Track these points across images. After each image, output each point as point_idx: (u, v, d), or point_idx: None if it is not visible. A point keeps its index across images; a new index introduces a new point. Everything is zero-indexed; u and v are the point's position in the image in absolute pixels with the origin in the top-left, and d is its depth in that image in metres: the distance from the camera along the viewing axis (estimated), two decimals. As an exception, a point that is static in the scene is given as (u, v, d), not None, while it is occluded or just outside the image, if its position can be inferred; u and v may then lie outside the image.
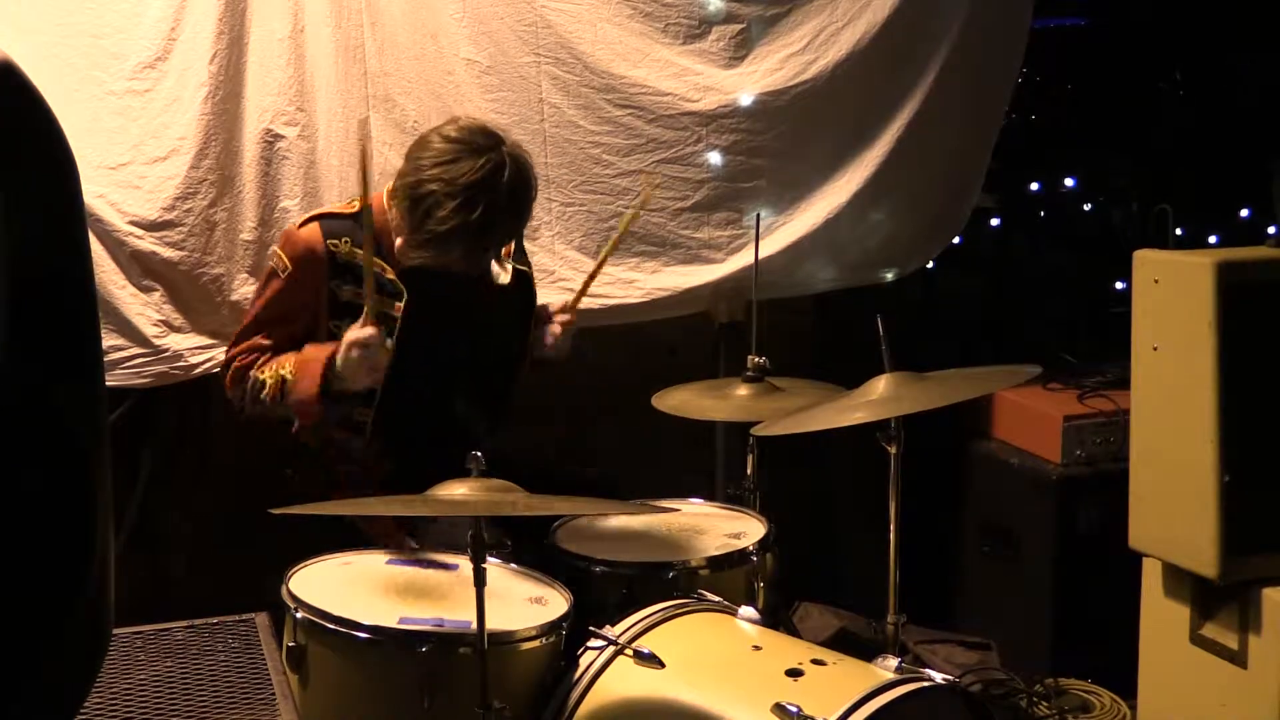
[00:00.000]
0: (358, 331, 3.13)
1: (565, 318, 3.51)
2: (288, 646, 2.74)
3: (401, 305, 3.27)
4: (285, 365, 3.22)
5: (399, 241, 3.22)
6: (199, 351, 3.57)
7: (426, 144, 3.16)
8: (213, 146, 3.52)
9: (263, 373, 3.24)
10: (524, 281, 3.52)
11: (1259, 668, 3.49)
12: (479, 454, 2.64)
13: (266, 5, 3.56)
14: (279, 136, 3.60)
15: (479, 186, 3.08)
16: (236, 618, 2.79)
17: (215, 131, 3.52)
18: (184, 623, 2.75)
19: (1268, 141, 5.12)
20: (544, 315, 3.54)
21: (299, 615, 2.76)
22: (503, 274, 3.40)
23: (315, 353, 3.20)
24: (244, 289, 3.58)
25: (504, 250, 3.40)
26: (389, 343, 3.18)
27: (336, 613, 2.73)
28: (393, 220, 3.24)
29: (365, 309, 3.15)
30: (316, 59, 3.61)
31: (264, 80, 3.57)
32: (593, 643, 2.82)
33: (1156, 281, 3.63)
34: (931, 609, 4.16)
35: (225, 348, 3.43)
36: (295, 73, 3.60)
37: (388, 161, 3.63)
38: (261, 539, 3.01)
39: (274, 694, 2.51)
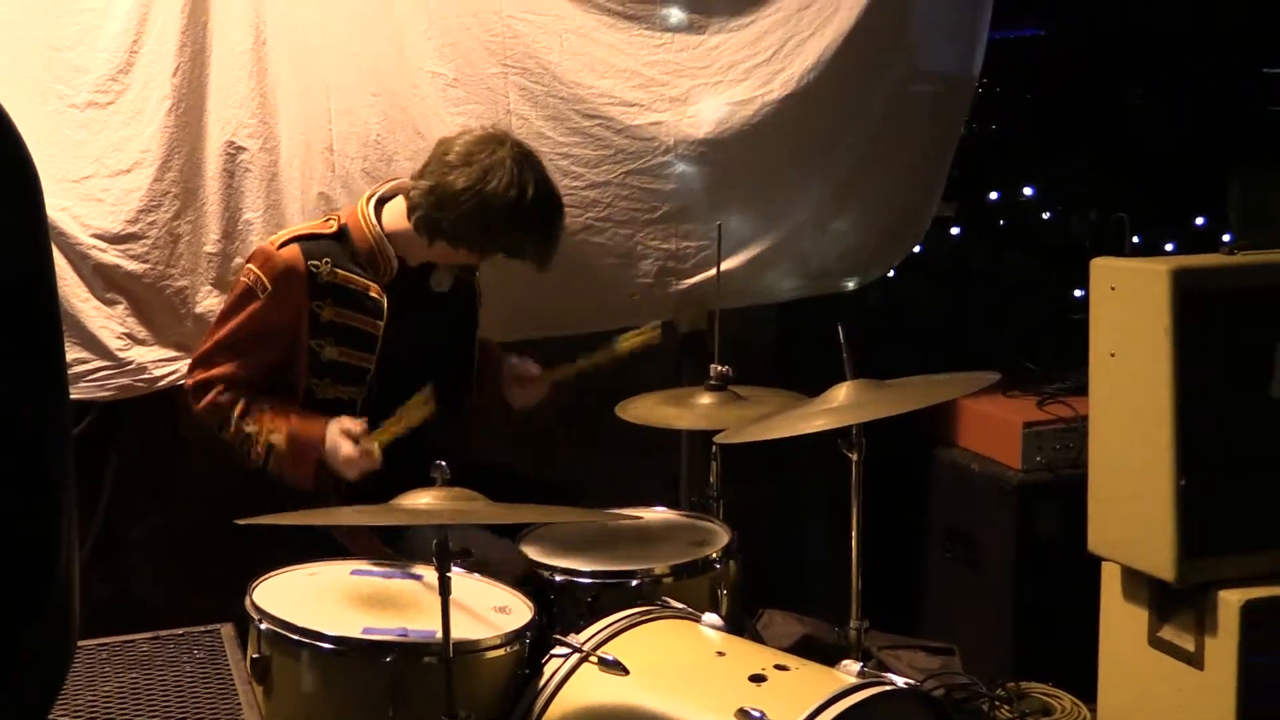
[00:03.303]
0: (347, 445, 3.17)
1: (534, 383, 3.56)
2: (252, 658, 2.73)
3: (382, 324, 3.28)
4: (278, 433, 3.22)
5: (436, 247, 3.26)
6: (163, 364, 3.55)
7: (449, 165, 3.19)
8: (176, 159, 3.51)
9: (248, 426, 3.24)
10: (469, 295, 3.53)
11: (1215, 669, 3.52)
12: (443, 463, 2.64)
13: (228, 18, 3.54)
14: (241, 149, 3.58)
15: (523, 162, 3.20)
16: (202, 629, 2.78)
17: (178, 144, 3.50)
18: (149, 634, 2.74)
19: (1222, 150, 5.16)
20: (511, 373, 3.56)
21: (263, 626, 2.75)
22: (442, 281, 3.42)
23: (307, 436, 3.21)
24: (208, 301, 3.56)
25: (475, 259, 3.41)
26: (376, 450, 3.19)
27: (300, 624, 2.72)
28: (388, 229, 3.27)
29: (362, 436, 3.19)
30: (278, 71, 3.60)
31: (226, 92, 3.56)
32: (557, 650, 2.82)
33: (1113, 289, 3.65)
34: (894, 614, 4.16)
35: (186, 359, 3.42)
36: (257, 85, 3.58)
37: (349, 174, 3.63)
38: (226, 549, 3.01)
39: (239, 704, 2.50)
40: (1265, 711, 3.52)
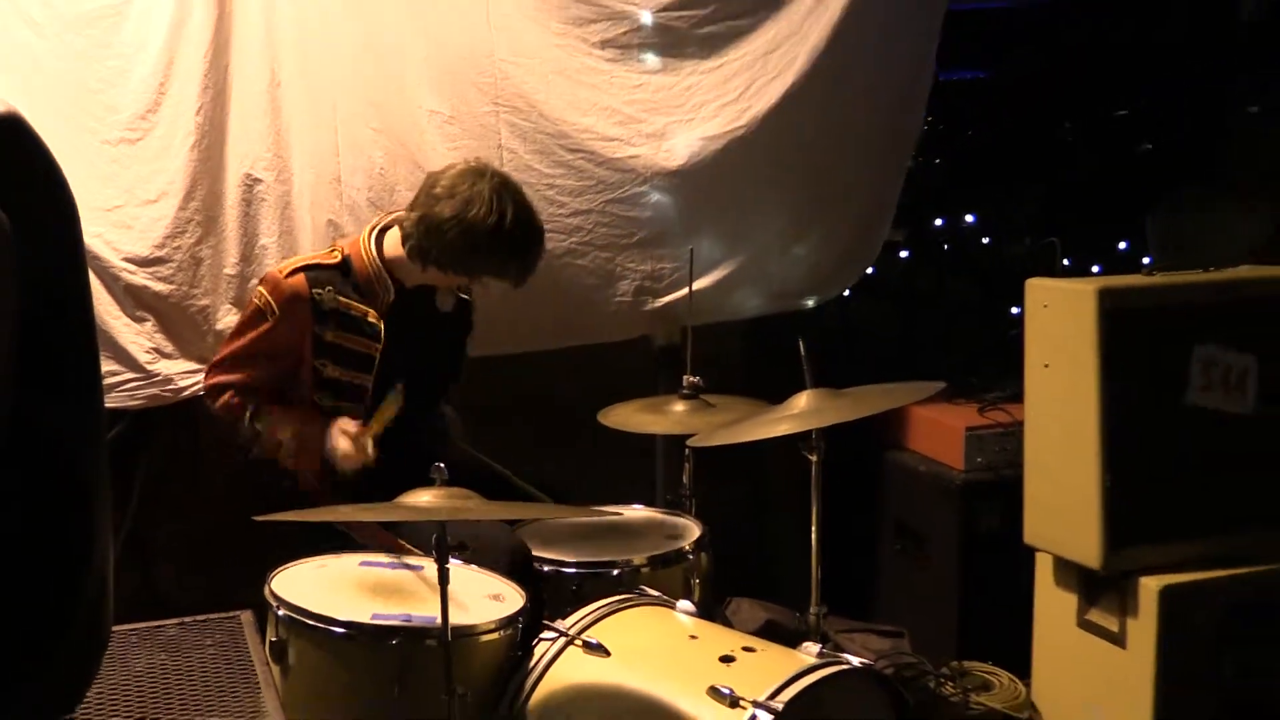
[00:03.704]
0: (343, 441, 3.20)
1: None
2: (270, 641, 2.75)
3: (379, 346, 3.30)
4: (285, 431, 3.26)
5: (428, 272, 3.27)
6: (187, 375, 3.56)
7: (435, 197, 3.21)
8: (198, 190, 3.52)
9: (259, 423, 3.28)
10: (465, 312, 3.55)
11: (1136, 647, 3.55)
12: (441, 465, 2.66)
13: (246, 61, 3.55)
14: (258, 180, 3.59)
15: (501, 191, 3.20)
16: (223, 615, 2.79)
17: (200, 176, 3.52)
18: (175, 620, 2.75)
19: (1143, 183, 5.20)
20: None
21: (280, 613, 2.78)
22: (447, 302, 3.43)
23: (312, 438, 3.25)
24: (228, 318, 3.57)
25: (463, 283, 3.43)
26: (370, 445, 3.22)
27: (315, 610, 2.74)
28: (389, 256, 3.29)
29: (358, 434, 3.21)
30: (291, 110, 3.61)
31: (244, 129, 3.57)
32: (545, 634, 2.84)
33: (1046, 306, 3.68)
34: (850, 601, 4.17)
35: (205, 371, 3.43)
36: (272, 122, 3.59)
37: (355, 204, 3.65)
38: (243, 545, 3.02)
39: (258, 683, 2.51)
40: (1181, 685, 3.55)
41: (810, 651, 2.75)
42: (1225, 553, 3.60)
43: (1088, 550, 3.58)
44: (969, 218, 4.99)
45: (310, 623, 2.74)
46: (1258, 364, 3.65)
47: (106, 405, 2.84)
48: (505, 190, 3.23)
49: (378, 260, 3.31)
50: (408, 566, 3.03)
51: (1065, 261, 4.38)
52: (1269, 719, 3.64)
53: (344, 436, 3.22)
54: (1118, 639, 3.60)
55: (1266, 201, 5.08)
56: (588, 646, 2.78)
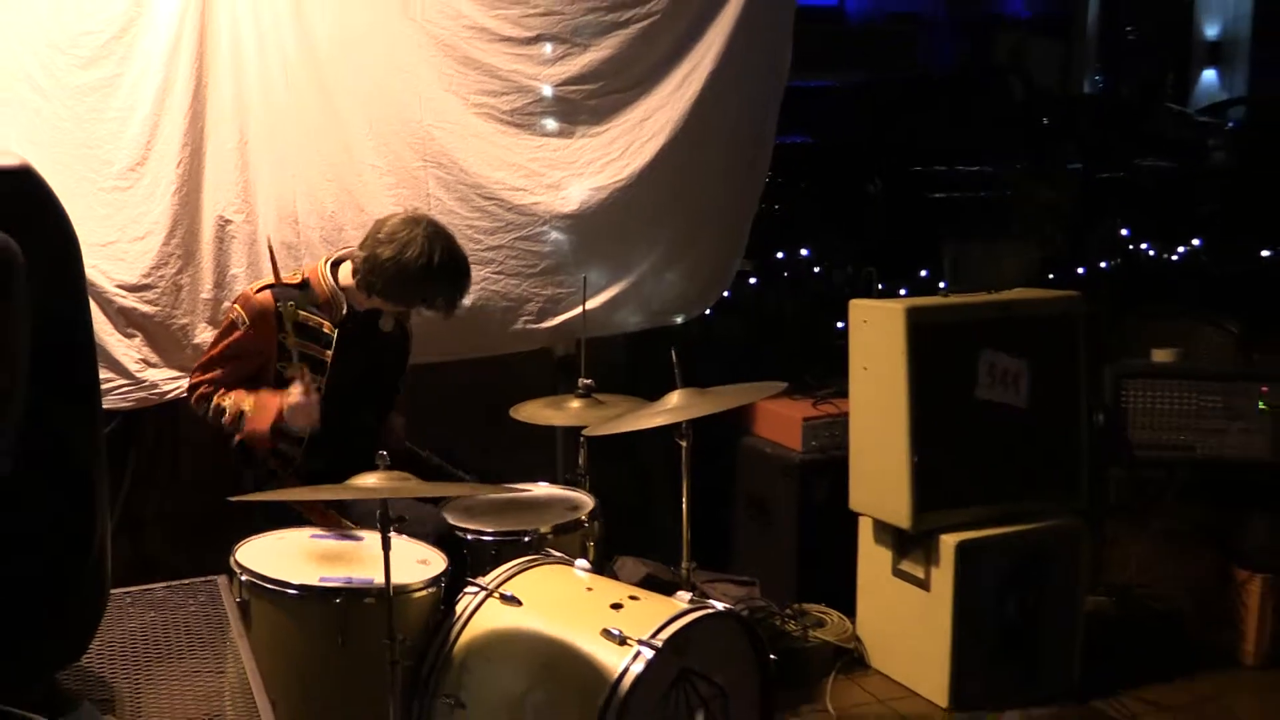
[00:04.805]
0: (296, 393, 3.11)
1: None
2: (237, 601, 2.66)
3: (330, 351, 3.23)
4: (246, 402, 3.16)
5: (374, 300, 3.22)
6: (170, 381, 3.46)
7: (379, 240, 3.15)
8: (179, 229, 3.42)
9: (224, 400, 3.18)
10: (403, 332, 3.48)
11: (938, 590, 3.60)
12: (384, 453, 2.62)
13: (219, 124, 3.46)
14: (229, 221, 3.50)
15: (433, 238, 3.15)
16: (202, 579, 2.69)
17: (181, 218, 3.42)
18: (162, 584, 2.65)
19: (938, 224, 5.30)
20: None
21: (243, 578, 2.71)
22: (388, 323, 3.37)
23: (269, 400, 3.15)
24: (204, 334, 3.47)
25: (401, 310, 3.37)
26: (317, 396, 3.14)
27: (271, 575, 2.68)
28: (341, 284, 3.23)
29: (305, 384, 3.13)
30: (257, 164, 3.52)
31: (218, 179, 3.48)
32: (468, 589, 2.80)
33: (865, 321, 3.72)
34: (713, 558, 4.17)
35: (188, 378, 3.35)
36: (241, 174, 3.50)
37: (310, 241, 3.57)
38: (218, 520, 2.94)
39: (233, 635, 2.44)
40: (972, 619, 3.61)
41: (683, 599, 2.73)
42: (1006, 515, 3.67)
43: (900, 514, 3.63)
44: (804, 251, 5.04)
45: (268, 585, 2.68)
46: (1029, 366, 3.73)
47: (103, 406, 2.78)
48: (436, 237, 3.18)
49: (333, 283, 3.25)
50: (350, 538, 2.96)
51: (879, 285, 4.44)
52: (1035, 643, 3.71)
53: (295, 386, 3.13)
54: (924, 584, 3.65)
55: (1032, 242, 5.22)
56: (504, 598, 2.73)
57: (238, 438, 3.27)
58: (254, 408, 3.15)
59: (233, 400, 3.18)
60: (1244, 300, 5.03)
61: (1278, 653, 3.87)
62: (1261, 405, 3.93)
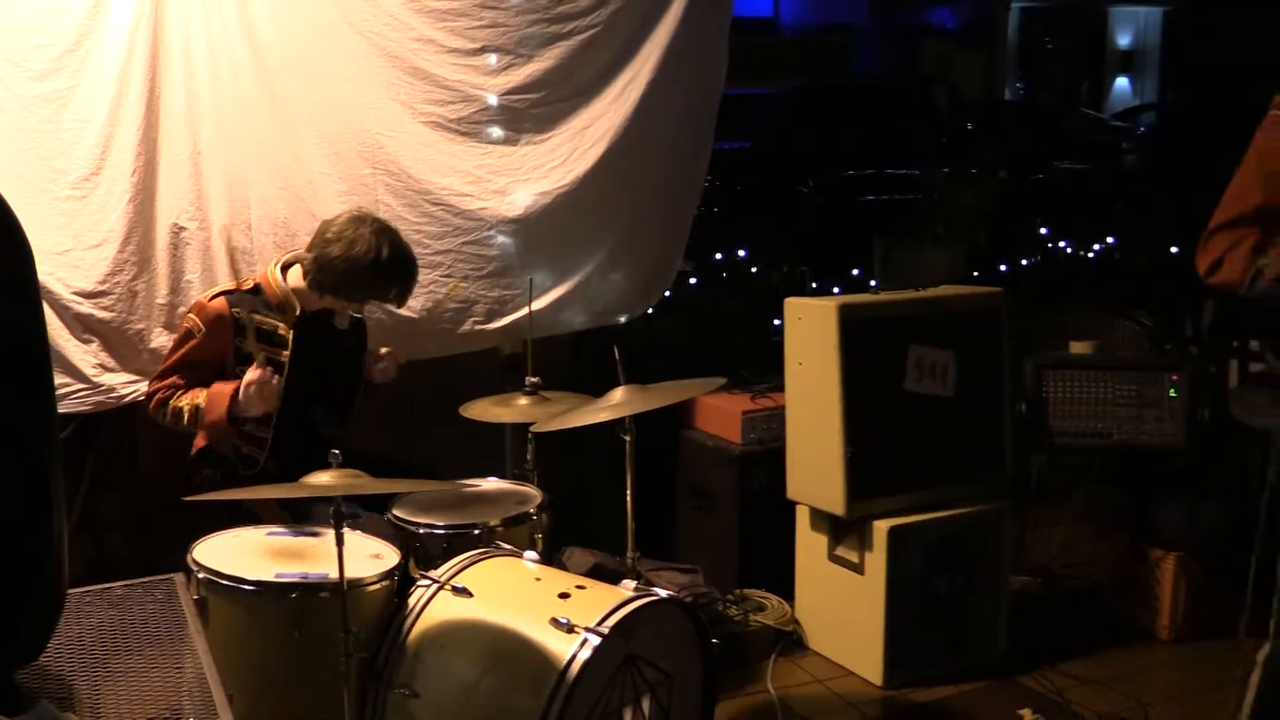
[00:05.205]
0: (253, 373, 3.06)
1: (388, 351, 3.46)
2: (194, 598, 2.62)
3: (287, 353, 3.19)
4: (198, 397, 3.12)
5: (326, 299, 3.19)
6: (127, 385, 3.40)
7: (327, 240, 3.12)
8: (134, 237, 3.36)
9: (180, 402, 3.13)
10: (360, 329, 3.45)
11: (871, 573, 3.63)
12: (337, 452, 2.59)
13: (172, 134, 3.40)
14: (183, 228, 3.44)
15: (379, 234, 3.13)
16: (160, 577, 2.65)
17: (135, 226, 3.36)
18: (121, 583, 2.61)
19: (869, 225, 5.34)
20: (374, 355, 3.48)
21: (200, 575, 2.67)
22: (343, 321, 3.33)
23: (222, 388, 3.10)
24: (159, 340, 3.41)
25: (352, 309, 3.34)
26: (276, 379, 3.10)
27: (228, 571, 2.64)
28: (291, 287, 3.19)
29: (257, 360, 3.09)
30: (210, 173, 3.47)
31: (171, 188, 3.42)
32: (421, 582, 2.77)
33: (800, 319, 3.74)
34: (657, 547, 4.17)
35: (147, 382, 3.30)
36: (194, 182, 3.45)
37: (263, 247, 3.52)
38: (174, 520, 2.89)
39: (189, 632, 2.41)
40: (903, 599, 3.64)
41: (628, 587, 2.73)
42: (934, 500, 3.71)
43: (834, 502, 3.65)
44: (741, 252, 5.06)
45: (224, 582, 2.64)
46: (955, 359, 3.76)
47: (60, 411, 2.73)
48: (383, 232, 3.17)
49: (284, 285, 3.21)
50: (305, 534, 2.92)
51: (813, 284, 4.46)
52: (963, 621, 3.75)
53: (252, 384, 3.06)
54: (858, 568, 3.67)
55: (957, 241, 5.27)
56: (455, 590, 2.71)
57: (199, 441, 3.22)
58: (208, 399, 3.11)
59: (188, 400, 3.13)
60: (1156, 294, 5.11)
61: (1190, 628, 3.94)
62: (1173, 393, 4.00)
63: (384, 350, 3.46)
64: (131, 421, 3.59)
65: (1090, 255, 5.79)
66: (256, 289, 3.22)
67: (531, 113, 3.87)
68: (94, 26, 3.28)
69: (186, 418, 3.12)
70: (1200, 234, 2.51)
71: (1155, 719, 3.43)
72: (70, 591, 1.85)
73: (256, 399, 3.07)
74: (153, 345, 3.43)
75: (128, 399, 3.41)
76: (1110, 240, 5.85)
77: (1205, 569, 3.94)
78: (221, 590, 2.64)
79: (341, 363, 3.39)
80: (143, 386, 3.35)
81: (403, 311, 3.70)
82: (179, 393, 3.15)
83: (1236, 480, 4.09)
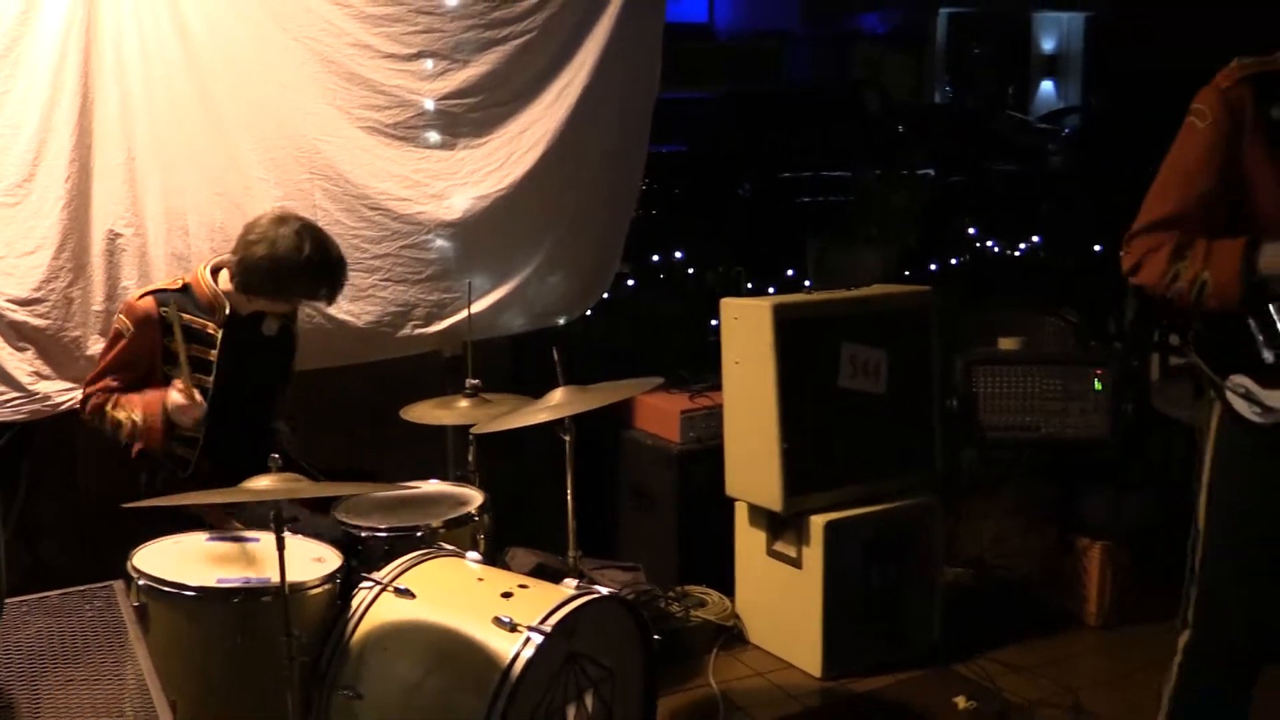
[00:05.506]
0: (177, 396, 3.04)
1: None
2: (134, 605, 2.58)
3: (215, 352, 3.16)
4: (135, 411, 3.08)
5: (255, 301, 3.16)
6: (63, 393, 3.34)
7: (250, 241, 3.09)
8: (69, 243, 3.30)
9: (117, 413, 3.10)
10: (289, 335, 3.41)
11: (809, 568, 3.67)
12: (276, 455, 2.57)
13: (106, 140, 3.34)
14: (119, 235, 3.39)
15: (302, 231, 3.11)
16: (99, 585, 2.61)
17: (70, 232, 3.30)
18: (59, 591, 2.57)
19: (803, 226, 5.39)
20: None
21: (141, 582, 2.63)
22: (271, 328, 3.30)
23: (153, 401, 3.07)
24: (96, 346, 3.35)
25: (282, 311, 3.31)
26: (199, 398, 3.08)
27: (169, 578, 2.61)
28: (221, 289, 3.17)
29: (185, 385, 3.06)
30: (145, 179, 3.41)
31: (106, 194, 3.36)
32: (363, 585, 2.76)
33: (736, 318, 3.77)
34: (600, 546, 4.18)
35: (81, 389, 3.25)
36: (129, 188, 3.39)
37: (200, 252, 3.48)
38: (114, 527, 2.84)
39: (130, 639, 2.37)
40: (840, 592, 3.68)
41: (570, 585, 2.73)
42: (868, 495, 3.75)
43: (772, 498, 3.68)
44: (678, 254, 5.08)
45: (165, 589, 2.60)
46: (887, 357, 3.81)
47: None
48: (306, 230, 3.14)
49: (215, 286, 3.18)
50: (246, 540, 2.89)
51: (749, 285, 4.50)
52: (899, 613, 3.80)
53: (175, 391, 3.06)
54: (796, 562, 3.71)
55: (889, 242, 5.34)
56: (398, 592, 2.70)
57: (137, 447, 3.18)
58: (143, 413, 3.08)
59: (124, 413, 3.10)
60: (1080, 291, 5.22)
61: (1117, 614, 4.03)
62: (1097, 387, 4.08)
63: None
64: (69, 429, 3.52)
65: (1017, 254, 5.89)
66: (186, 288, 3.20)
67: (468, 117, 3.86)
68: (25, 32, 3.22)
69: (125, 431, 3.10)
70: (1124, 234, 2.58)
71: (1085, 703, 3.51)
72: (7, 601, 1.82)
73: (184, 415, 3.07)
74: (89, 352, 3.37)
75: (64, 407, 3.35)
76: (1036, 239, 5.96)
77: (1132, 557, 4.03)
78: (162, 597, 2.61)
79: (268, 368, 3.36)
80: (78, 394, 3.29)
81: (343, 316, 3.68)
82: (114, 397, 3.11)
83: (1160, 470, 4.19)
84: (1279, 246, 2.39)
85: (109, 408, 3.11)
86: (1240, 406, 2.46)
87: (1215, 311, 2.45)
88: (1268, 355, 2.41)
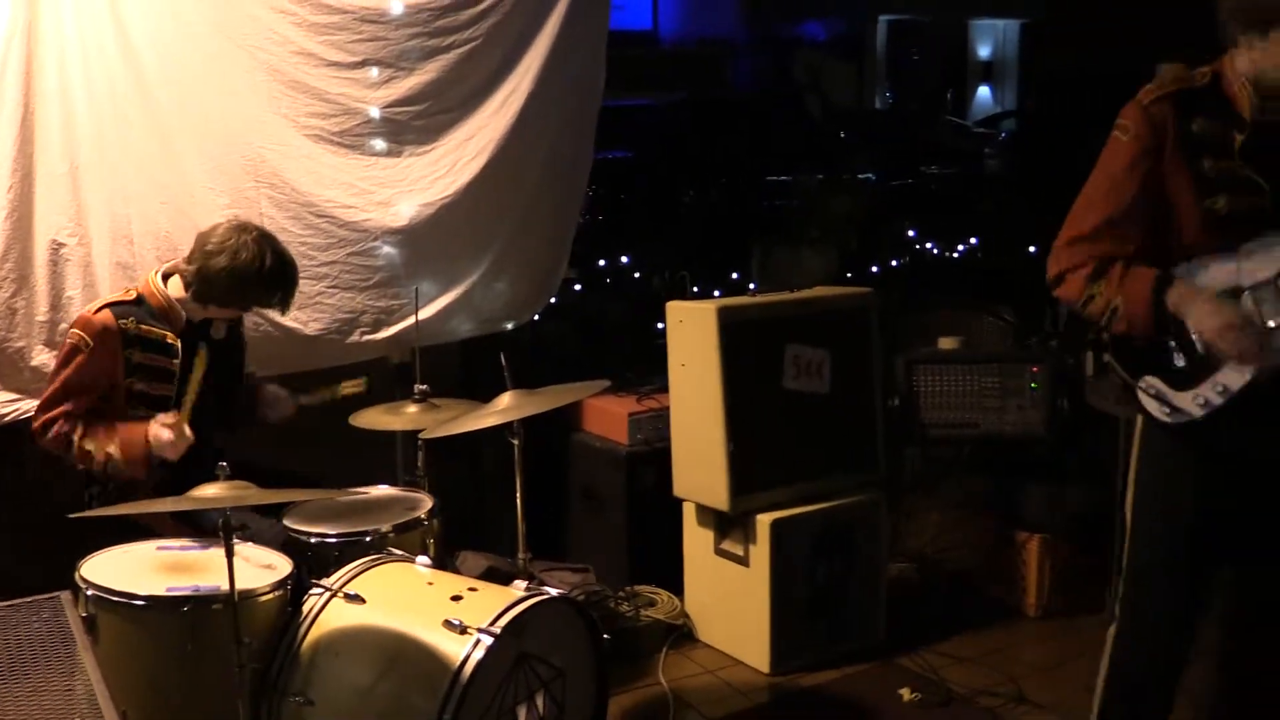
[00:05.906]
0: (165, 431, 3.01)
1: (281, 404, 3.41)
2: (82, 616, 2.54)
3: (177, 361, 3.14)
4: (111, 446, 3.02)
5: (210, 309, 3.15)
6: (7, 404, 3.30)
7: (208, 251, 3.07)
8: (12, 253, 3.26)
9: (87, 444, 3.03)
10: (237, 337, 3.39)
11: (756, 565, 3.70)
12: (224, 464, 2.55)
13: (48, 149, 3.30)
14: (63, 245, 3.35)
15: (261, 241, 3.11)
16: (46, 596, 2.57)
17: (13, 243, 3.26)
18: (4, 603, 2.52)
19: (747, 230, 5.42)
20: (267, 396, 3.41)
21: (89, 593, 2.60)
22: (219, 331, 3.27)
23: (133, 435, 3.02)
24: (41, 357, 3.31)
25: (233, 317, 3.29)
26: (189, 433, 3.06)
27: (117, 588, 2.58)
28: (174, 296, 3.14)
29: (178, 421, 3.05)
30: (89, 188, 3.37)
31: (50, 204, 3.32)
32: (313, 591, 2.74)
33: (681, 321, 3.79)
34: (549, 548, 4.19)
35: (27, 400, 3.19)
36: (73, 198, 3.35)
37: (145, 261, 3.44)
38: (61, 537, 2.80)
39: (78, 650, 2.34)
40: (787, 589, 3.71)
41: (520, 587, 2.74)
42: (813, 493, 3.79)
43: (719, 498, 3.70)
44: (624, 258, 5.09)
45: (114, 599, 2.57)
46: (830, 357, 3.85)
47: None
48: (264, 239, 3.13)
49: (168, 295, 3.15)
50: (196, 548, 2.86)
51: (694, 288, 4.52)
52: (844, 608, 3.84)
53: (163, 428, 3.02)
54: (743, 560, 3.74)
55: (831, 245, 5.38)
56: (348, 597, 2.69)
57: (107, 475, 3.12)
58: (122, 451, 3.02)
59: (96, 445, 3.03)
60: (1016, 291, 5.28)
61: (1054, 604, 4.10)
62: (1034, 384, 4.15)
63: (280, 393, 3.41)
64: (14, 439, 3.46)
65: (955, 256, 5.96)
66: (140, 299, 3.15)
67: (414, 125, 3.85)
68: (-38, 43, 3.17)
69: (97, 463, 3.03)
70: (1053, 241, 2.62)
71: (1025, 691, 3.56)
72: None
73: (169, 450, 3.03)
74: (34, 363, 3.33)
75: (7, 419, 3.31)
76: (974, 241, 6.03)
77: (1070, 549, 4.10)
78: (111, 607, 2.58)
79: (223, 371, 3.33)
80: (24, 405, 3.25)
81: (290, 323, 3.65)
82: (80, 427, 3.04)
83: (1094, 464, 4.26)
84: (1188, 286, 2.43)
85: (77, 438, 3.03)
86: (1151, 406, 2.50)
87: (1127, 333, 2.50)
88: (1179, 360, 2.46)
